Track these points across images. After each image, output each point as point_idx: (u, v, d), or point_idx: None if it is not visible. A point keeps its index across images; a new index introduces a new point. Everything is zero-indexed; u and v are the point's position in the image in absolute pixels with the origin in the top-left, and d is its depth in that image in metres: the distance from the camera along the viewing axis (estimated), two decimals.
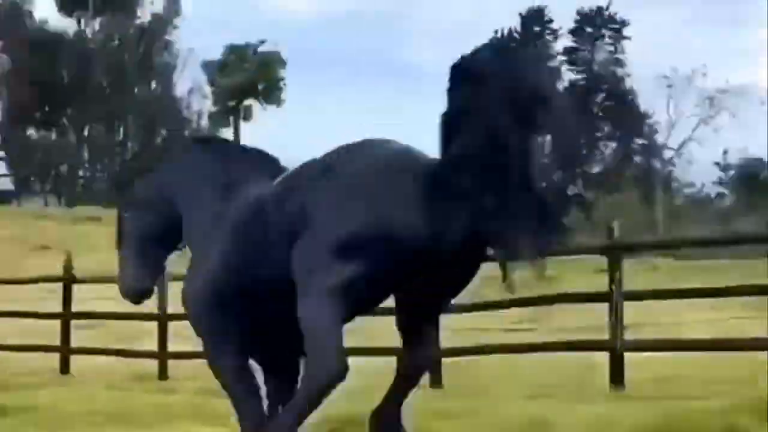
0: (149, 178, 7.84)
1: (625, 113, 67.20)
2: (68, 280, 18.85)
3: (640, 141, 68.40)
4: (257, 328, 6.70)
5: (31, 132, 52.72)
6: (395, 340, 6.40)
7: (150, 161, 50.34)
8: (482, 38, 6.14)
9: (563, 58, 69.91)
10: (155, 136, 52.79)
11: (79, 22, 52.91)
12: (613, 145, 68.68)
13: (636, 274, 14.97)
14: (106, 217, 40.71)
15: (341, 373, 5.98)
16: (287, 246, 6.18)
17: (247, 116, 59.71)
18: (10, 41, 51.21)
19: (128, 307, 20.03)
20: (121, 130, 52.96)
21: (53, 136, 52.78)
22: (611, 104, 68.26)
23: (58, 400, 15.45)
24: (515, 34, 68.29)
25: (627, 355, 13.13)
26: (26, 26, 51.78)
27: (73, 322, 18.96)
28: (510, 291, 5.98)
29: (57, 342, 18.72)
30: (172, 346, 18.07)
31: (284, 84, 60.65)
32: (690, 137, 65.72)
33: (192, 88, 54.30)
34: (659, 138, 67.61)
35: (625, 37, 69.61)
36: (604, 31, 69.59)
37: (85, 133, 52.70)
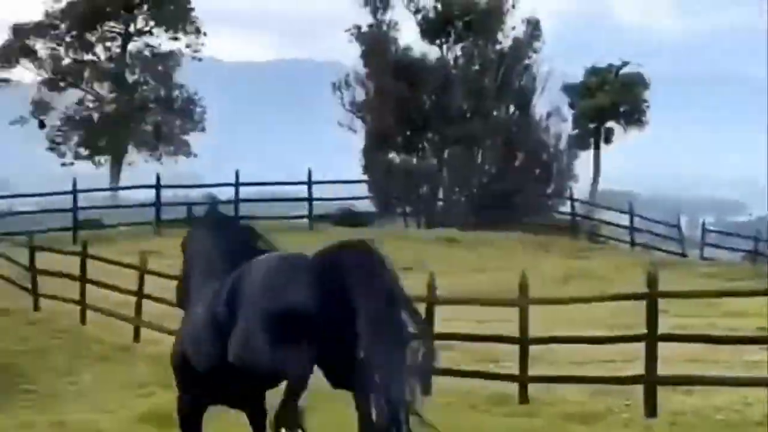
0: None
1: None
2: (431, 301, 18.99)
3: None
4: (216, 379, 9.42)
5: (393, 156, 53.82)
6: None
7: (507, 184, 50.55)
8: None
9: None
10: (513, 159, 52.90)
11: (441, 48, 53.80)
12: None
13: None
14: (465, 240, 41.09)
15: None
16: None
17: (608, 139, 59.04)
18: (375, 68, 52.59)
19: (489, 329, 20.15)
20: (480, 153, 53.36)
21: (414, 159, 53.70)
22: None
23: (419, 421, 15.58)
24: None
25: None
26: (391, 53, 53.04)
27: (435, 342, 19.02)
28: None
29: None
30: (533, 370, 17.93)
31: (647, 106, 59.62)
32: None
33: (550, 112, 54.09)
34: None
35: None
36: None
37: (445, 156, 53.40)
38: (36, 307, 28.10)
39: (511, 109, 54.12)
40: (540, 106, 54.02)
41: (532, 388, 17.81)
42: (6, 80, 58.88)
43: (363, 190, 51.88)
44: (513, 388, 17.90)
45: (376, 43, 53.09)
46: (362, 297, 8.82)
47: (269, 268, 9.02)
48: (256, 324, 8.81)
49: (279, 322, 8.73)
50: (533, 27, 54.24)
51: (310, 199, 44.55)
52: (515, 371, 18.00)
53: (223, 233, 10.17)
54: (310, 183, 44.46)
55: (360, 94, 54.32)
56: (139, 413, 16.61)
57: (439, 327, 19.12)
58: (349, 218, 47.24)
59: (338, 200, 49.13)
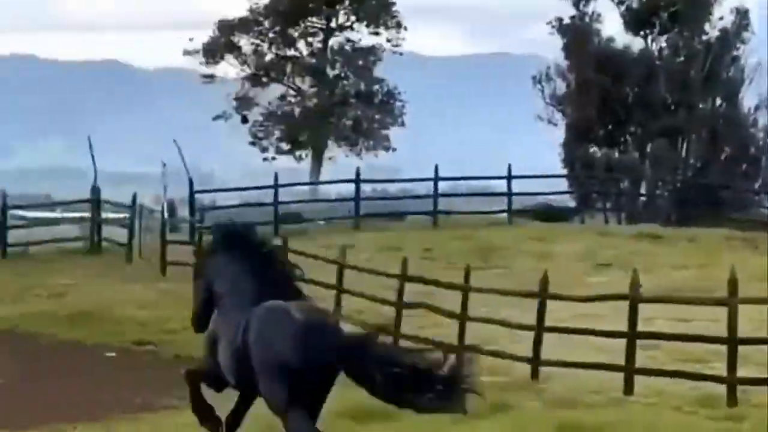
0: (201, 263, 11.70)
1: None
2: (634, 299, 18.45)
3: None
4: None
5: (594, 149, 53.24)
6: None
7: (713, 178, 49.31)
8: None
9: None
10: (719, 152, 51.62)
11: (645, 39, 52.90)
12: None
13: None
14: (668, 236, 40.11)
15: None
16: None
17: None
18: (577, 60, 52.10)
19: (694, 327, 19.46)
20: (684, 146, 52.27)
21: (615, 153, 52.97)
22: None
23: (621, 421, 15.15)
24: None
25: None
26: (593, 45, 52.47)
27: (638, 342, 18.53)
28: None
29: (621, 361, 18.37)
30: (742, 371, 17.27)
31: None
32: None
33: (759, 104, 52.63)
34: None
35: None
36: None
37: (647, 149, 52.49)
38: None
39: (718, 101, 52.93)
40: (748, 99, 52.75)
41: (740, 390, 17.15)
42: (211, 76, 60.15)
43: (562, 184, 51.31)
44: (721, 389, 17.26)
45: (578, 35, 52.59)
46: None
47: (263, 322, 10.67)
48: (259, 368, 10.67)
49: (270, 368, 10.58)
50: (742, 17, 52.90)
51: (509, 194, 44.13)
52: (722, 372, 17.37)
53: (240, 259, 11.20)
54: (509, 177, 44.06)
55: (561, 87, 53.92)
56: (336, 408, 16.52)
57: (642, 326, 18.63)
58: (548, 213, 46.72)
59: (537, 195, 48.63)
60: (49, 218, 47.51)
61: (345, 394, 18.07)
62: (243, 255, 11.16)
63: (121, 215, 39.84)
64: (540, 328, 19.90)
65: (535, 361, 19.83)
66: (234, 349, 10.82)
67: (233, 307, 11.01)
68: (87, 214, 40.32)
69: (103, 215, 40.26)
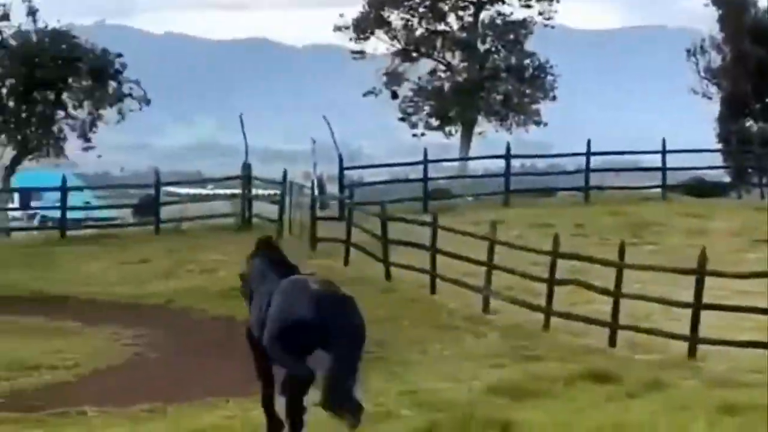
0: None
1: None
2: None
3: None
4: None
5: (750, 123, 52.03)
6: None
7: None
8: None
9: None
10: None
11: None
12: None
13: None
14: None
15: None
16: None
17: None
18: (732, 32, 50.93)
19: None
20: None
21: None
22: None
23: None
24: None
25: None
26: (750, 16, 51.29)
27: None
28: None
29: None
30: None
31: None
32: None
33: None
34: None
35: None
36: None
37: None
38: (387, 276, 28.44)
39: None
40: None
41: None
42: (360, 52, 60.16)
43: (717, 159, 50.23)
44: None
45: (734, 7, 51.33)
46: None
47: (284, 291, 12.68)
48: (273, 333, 12.64)
49: (287, 333, 12.39)
50: None
51: (663, 169, 43.31)
52: None
53: (273, 258, 13.73)
54: (664, 152, 43.23)
55: (716, 60, 52.76)
56: (489, 384, 16.37)
57: None
58: (701, 188, 45.82)
59: (691, 170, 47.65)
60: (200, 195, 48.31)
61: (501, 370, 17.99)
62: (266, 259, 13.75)
63: (271, 192, 40.13)
64: (698, 305, 19.43)
65: (693, 338, 19.36)
66: (261, 318, 12.97)
67: (259, 295, 13.33)
68: (238, 191, 40.73)
69: (254, 192, 40.62)
